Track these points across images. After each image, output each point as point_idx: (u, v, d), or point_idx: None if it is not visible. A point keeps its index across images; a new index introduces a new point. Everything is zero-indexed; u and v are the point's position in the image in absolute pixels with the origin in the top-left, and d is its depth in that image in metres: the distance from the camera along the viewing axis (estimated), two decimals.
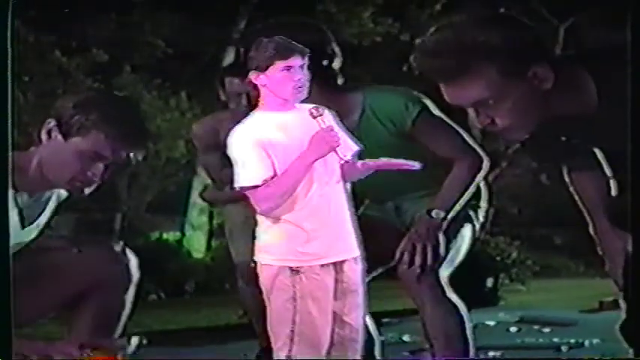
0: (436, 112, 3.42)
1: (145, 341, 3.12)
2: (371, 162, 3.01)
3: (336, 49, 3.48)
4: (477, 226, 3.58)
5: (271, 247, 2.96)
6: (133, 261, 3.31)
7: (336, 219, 2.97)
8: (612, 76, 2.72)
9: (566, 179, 3.05)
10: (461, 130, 3.43)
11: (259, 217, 2.98)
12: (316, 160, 2.91)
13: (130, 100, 3.33)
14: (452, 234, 3.48)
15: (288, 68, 2.91)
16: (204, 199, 5.28)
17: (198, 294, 10.17)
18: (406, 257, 3.33)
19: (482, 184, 3.56)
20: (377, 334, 3.55)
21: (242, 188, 2.93)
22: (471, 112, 2.78)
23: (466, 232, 3.53)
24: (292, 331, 2.92)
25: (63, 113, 3.07)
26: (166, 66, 11.31)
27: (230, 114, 4.06)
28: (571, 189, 3.05)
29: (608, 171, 2.90)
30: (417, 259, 3.34)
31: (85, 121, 3.04)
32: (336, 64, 3.47)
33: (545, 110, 2.75)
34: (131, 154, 3.09)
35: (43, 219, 3.24)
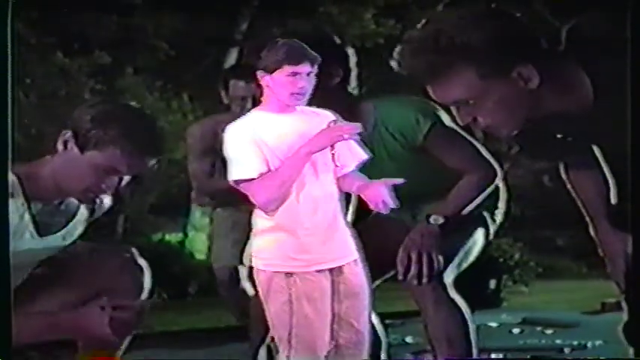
0: (449, 123, 3.40)
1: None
2: (363, 185, 2.95)
3: (351, 62, 3.47)
4: (492, 229, 3.56)
5: (264, 252, 2.95)
6: (147, 273, 3.30)
7: (328, 226, 2.96)
8: (609, 72, 2.71)
9: (564, 177, 3.04)
10: (474, 142, 3.41)
11: (253, 222, 2.97)
12: (314, 151, 2.89)
13: (148, 115, 3.34)
14: (462, 237, 3.46)
15: (294, 74, 2.89)
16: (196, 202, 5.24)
17: (201, 295, 10.15)
18: (400, 269, 3.32)
19: (501, 185, 3.54)
20: (384, 336, 3.55)
21: (237, 182, 2.91)
22: (453, 110, 2.78)
23: (478, 235, 3.51)
24: (290, 333, 2.91)
25: (81, 125, 3.06)
26: (168, 68, 11.30)
27: (231, 117, 4.04)
28: (569, 187, 3.03)
29: (606, 170, 2.89)
30: (412, 270, 3.32)
31: (103, 136, 3.03)
32: (350, 74, 3.46)
33: (534, 108, 2.73)
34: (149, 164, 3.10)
35: (74, 231, 3.22)
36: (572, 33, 2.81)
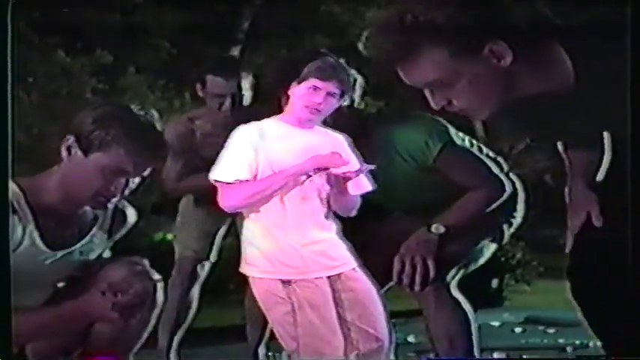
0: (459, 141, 3.40)
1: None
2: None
3: (358, 88, 3.47)
4: (507, 232, 3.57)
5: (257, 260, 2.96)
6: (160, 287, 3.30)
7: (318, 236, 2.96)
8: (591, 50, 2.68)
9: (561, 152, 3.02)
10: (484, 158, 3.41)
11: (244, 230, 2.98)
12: (297, 174, 2.89)
13: (149, 114, 3.39)
14: (471, 240, 3.46)
15: (316, 88, 2.90)
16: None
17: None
18: (395, 276, 3.33)
19: (519, 186, 3.54)
20: (394, 336, 3.54)
21: (215, 181, 2.94)
22: (427, 94, 2.76)
23: (490, 240, 3.50)
24: (298, 343, 2.91)
25: (82, 129, 3.07)
26: (170, 67, 11.29)
27: (206, 112, 3.99)
28: (564, 158, 3.02)
29: (607, 154, 2.88)
30: (405, 277, 3.33)
31: (105, 136, 3.04)
32: (357, 97, 3.46)
33: (511, 88, 2.71)
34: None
35: (92, 245, 3.22)
36: (553, 9, 2.78)
